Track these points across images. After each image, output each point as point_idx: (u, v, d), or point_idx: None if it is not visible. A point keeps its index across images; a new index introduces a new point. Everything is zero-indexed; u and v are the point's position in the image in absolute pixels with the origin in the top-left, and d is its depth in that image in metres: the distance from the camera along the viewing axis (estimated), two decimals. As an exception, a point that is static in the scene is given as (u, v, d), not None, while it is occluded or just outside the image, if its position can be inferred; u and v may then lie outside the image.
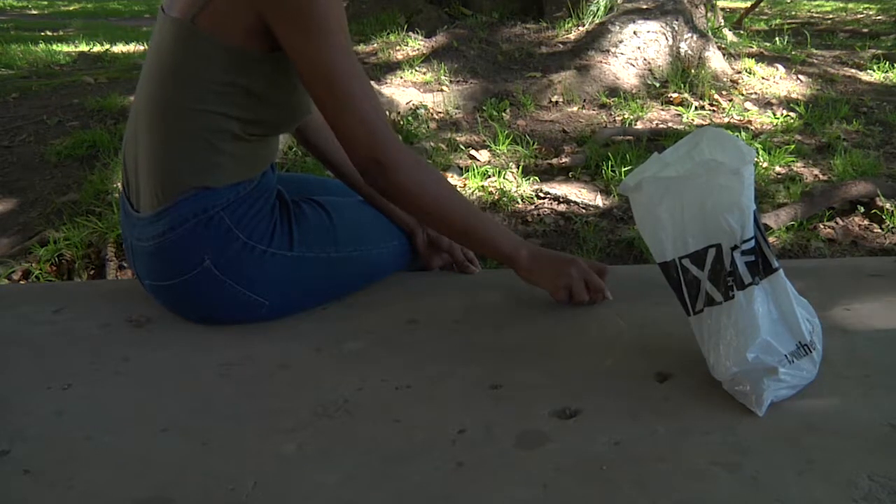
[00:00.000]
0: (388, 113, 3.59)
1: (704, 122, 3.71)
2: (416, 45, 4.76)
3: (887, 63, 4.89)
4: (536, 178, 2.91)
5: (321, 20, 1.17)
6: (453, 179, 2.90)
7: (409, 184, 1.27)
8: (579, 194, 2.77)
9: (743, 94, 4.16)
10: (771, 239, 2.41)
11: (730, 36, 5.29)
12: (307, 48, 1.18)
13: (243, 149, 1.29)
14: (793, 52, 5.13)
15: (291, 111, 1.33)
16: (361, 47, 4.83)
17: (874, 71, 4.79)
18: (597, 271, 1.41)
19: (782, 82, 4.42)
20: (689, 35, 4.37)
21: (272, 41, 1.21)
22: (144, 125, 1.29)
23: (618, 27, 4.43)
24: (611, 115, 3.75)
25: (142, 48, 5.99)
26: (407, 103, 3.77)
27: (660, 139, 3.34)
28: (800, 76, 4.56)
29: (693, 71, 4.23)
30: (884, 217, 2.55)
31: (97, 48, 6.04)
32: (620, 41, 4.30)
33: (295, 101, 1.32)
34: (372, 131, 1.22)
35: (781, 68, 4.60)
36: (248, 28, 1.20)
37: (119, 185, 1.43)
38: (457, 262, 1.58)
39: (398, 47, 4.74)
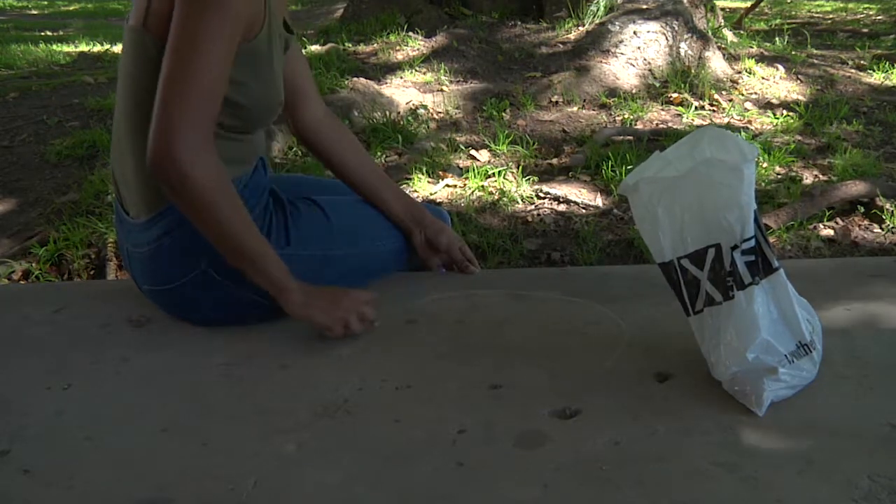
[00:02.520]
0: (387, 113, 3.59)
1: (704, 123, 3.70)
2: (416, 45, 4.76)
3: (887, 63, 4.88)
4: (536, 178, 2.91)
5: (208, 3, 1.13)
6: (453, 179, 2.90)
7: (191, 197, 1.17)
8: (579, 194, 2.77)
9: (743, 95, 4.15)
10: (771, 239, 2.41)
11: (730, 36, 5.29)
12: (179, 20, 1.14)
13: (224, 147, 1.27)
14: (793, 53, 5.13)
15: (259, 108, 1.31)
16: (361, 47, 4.83)
17: (874, 71, 4.79)
18: (365, 301, 1.35)
19: (782, 82, 4.42)
20: (689, 35, 4.36)
21: None
22: (125, 135, 1.30)
23: (618, 27, 4.43)
24: (611, 115, 3.75)
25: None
26: (407, 103, 3.77)
27: (660, 139, 3.33)
28: (800, 76, 4.56)
29: (693, 71, 4.23)
30: (884, 217, 2.55)
31: (97, 48, 6.04)
32: (620, 41, 4.30)
33: (261, 95, 1.30)
34: (180, 123, 1.13)
35: (781, 68, 4.60)
36: None
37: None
38: (455, 262, 1.58)
39: (398, 47, 4.74)
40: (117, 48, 5.96)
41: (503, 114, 3.71)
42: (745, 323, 1.10)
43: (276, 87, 1.33)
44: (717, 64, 4.36)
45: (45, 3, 11.81)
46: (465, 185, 2.85)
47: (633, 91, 4.03)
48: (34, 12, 10.59)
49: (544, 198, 2.75)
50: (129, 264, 1.41)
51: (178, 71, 1.14)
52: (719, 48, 4.61)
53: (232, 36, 1.17)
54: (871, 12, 8.63)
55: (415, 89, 4.00)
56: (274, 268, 1.25)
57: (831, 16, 8.48)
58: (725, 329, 1.11)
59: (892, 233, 2.51)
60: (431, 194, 2.78)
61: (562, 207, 2.68)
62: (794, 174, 2.96)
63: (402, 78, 4.17)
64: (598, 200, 2.74)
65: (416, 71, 4.27)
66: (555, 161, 3.17)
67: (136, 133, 1.27)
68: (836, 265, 1.84)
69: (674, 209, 1.11)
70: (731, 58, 4.71)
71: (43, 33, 7.34)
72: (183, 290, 1.32)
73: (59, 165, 3.08)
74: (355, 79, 3.88)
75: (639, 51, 4.23)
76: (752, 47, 5.14)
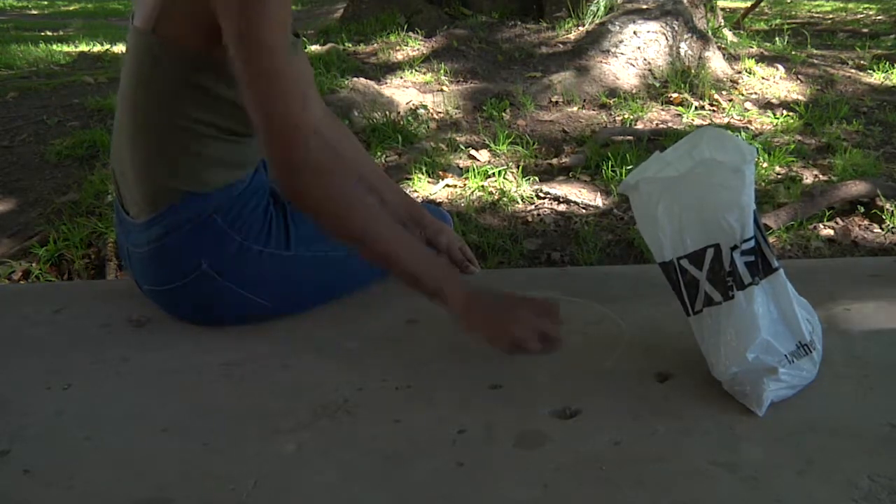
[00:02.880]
0: (387, 113, 3.59)
1: (704, 123, 3.70)
2: (416, 45, 4.76)
3: (887, 63, 4.89)
4: (536, 178, 2.91)
5: None
6: (453, 179, 2.90)
7: (320, 193, 1.12)
8: (579, 194, 2.77)
9: (743, 95, 4.16)
10: (771, 239, 2.41)
11: (730, 36, 5.29)
12: (231, 18, 1.09)
13: (227, 151, 1.28)
14: (793, 53, 5.13)
15: None
16: (361, 47, 4.83)
17: (874, 71, 4.79)
18: (546, 312, 1.18)
19: (782, 82, 4.42)
20: (689, 35, 4.37)
21: None
22: (127, 137, 1.29)
23: (618, 27, 4.43)
24: (611, 115, 3.75)
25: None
26: (407, 103, 3.77)
27: (660, 139, 3.34)
28: (800, 76, 4.56)
29: (693, 71, 4.23)
30: (884, 217, 2.55)
31: (97, 48, 6.04)
32: (620, 41, 4.30)
33: None
34: (290, 123, 1.10)
35: (781, 68, 4.60)
36: (207, 29, 1.15)
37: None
38: (455, 262, 1.58)
39: (398, 47, 4.74)
40: (117, 48, 5.97)
41: (503, 114, 3.71)
42: (745, 323, 1.10)
43: None
44: (717, 64, 4.36)
45: (45, 3, 11.81)
46: (465, 185, 2.85)
47: (633, 91, 4.03)
48: (34, 12, 10.59)
49: (544, 198, 2.75)
50: (130, 264, 1.41)
51: (265, 82, 1.09)
52: (719, 48, 4.61)
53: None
54: (871, 12, 8.63)
55: (415, 89, 4.00)
56: (422, 270, 1.16)
57: (831, 16, 8.48)
58: (725, 329, 1.11)
59: (892, 233, 2.51)
60: (431, 194, 2.78)
61: (562, 207, 2.68)
62: (794, 174, 2.96)
63: (402, 78, 4.17)
64: (598, 200, 2.74)
65: (416, 71, 4.27)
66: (555, 161, 3.17)
67: (137, 133, 1.27)
68: (836, 265, 1.84)
69: (673, 209, 1.11)
70: (731, 58, 4.71)
71: (43, 33, 7.34)
72: (183, 290, 1.32)
73: (59, 165, 3.08)
74: (355, 79, 3.88)
75: (639, 51, 4.24)
76: (752, 47, 5.15)
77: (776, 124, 3.65)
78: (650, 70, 4.20)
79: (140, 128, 1.26)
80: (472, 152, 3.21)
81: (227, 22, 1.10)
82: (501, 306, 1.18)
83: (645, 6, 4.55)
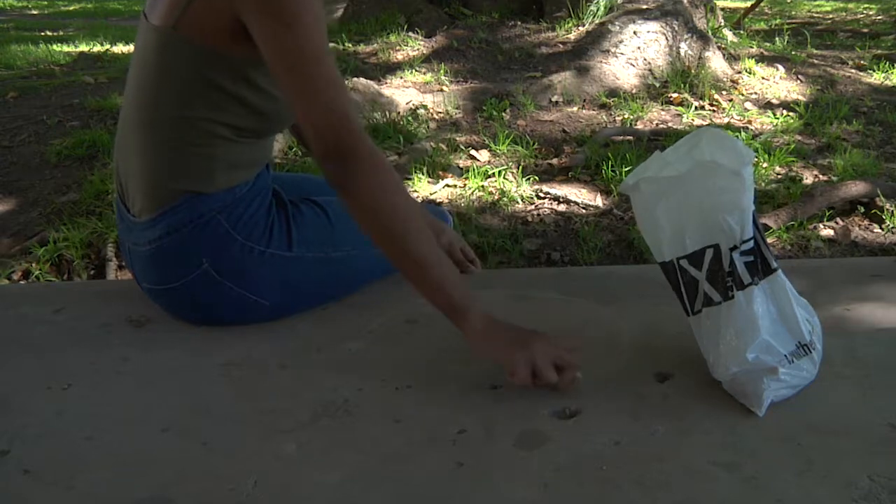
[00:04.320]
0: (387, 113, 3.59)
1: (704, 123, 3.70)
2: (416, 45, 4.76)
3: (887, 63, 4.89)
4: (536, 178, 2.91)
5: (289, 5, 1.10)
6: (453, 179, 2.90)
7: (370, 184, 1.12)
8: (579, 194, 2.77)
9: (743, 95, 4.15)
10: (771, 239, 2.41)
11: (730, 36, 5.29)
12: (274, 34, 1.12)
13: (235, 152, 1.28)
14: (793, 53, 5.13)
15: (280, 115, 1.31)
16: (361, 47, 4.83)
17: (874, 71, 4.79)
18: (564, 347, 1.17)
19: (782, 82, 4.42)
20: (689, 35, 4.37)
21: (254, 44, 1.17)
22: (133, 133, 1.28)
23: (618, 27, 4.43)
24: (611, 115, 3.75)
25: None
26: (407, 103, 3.77)
27: (660, 139, 3.34)
28: (800, 76, 4.56)
29: (693, 71, 4.23)
30: (884, 217, 2.55)
31: (97, 48, 6.04)
32: (620, 41, 4.30)
33: (283, 105, 1.29)
34: (338, 119, 1.12)
35: (781, 68, 4.60)
36: (228, 31, 1.16)
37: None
38: (456, 263, 1.57)
39: (398, 47, 4.74)
40: (117, 48, 5.97)
41: (503, 114, 3.71)
42: (745, 323, 1.10)
43: None
44: (717, 64, 4.36)
45: (45, 3, 11.81)
46: (465, 185, 2.85)
47: (633, 91, 4.03)
48: (34, 12, 10.59)
49: (544, 198, 2.75)
50: (131, 262, 1.40)
51: (313, 80, 1.12)
52: (719, 48, 4.61)
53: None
54: (871, 12, 8.63)
55: (415, 89, 4.00)
56: (451, 284, 1.15)
57: (831, 16, 8.49)
58: (725, 329, 1.11)
59: (892, 233, 2.51)
60: (431, 194, 2.78)
61: (562, 207, 2.68)
62: (794, 174, 2.96)
63: (402, 78, 4.17)
64: (598, 200, 2.74)
65: (416, 71, 4.27)
66: (555, 161, 3.17)
67: (148, 132, 1.26)
68: (836, 265, 1.84)
69: (673, 210, 1.11)
70: (731, 58, 4.71)
71: (43, 33, 7.34)
72: (183, 289, 1.32)
73: (59, 165, 3.08)
74: (355, 79, 3.88)
75: (639, 51, 4.23)
76: (752, 47, 5.15)
77: (776, 124, 3.65)
78: (650, 70, 4.20)
79: (152, 127, 1.25)
80: (472, 152, 3.21)
81: (264, 43, 1.12)
82: (521, 334, 1.17)
83: (645, 6, 4.55)
